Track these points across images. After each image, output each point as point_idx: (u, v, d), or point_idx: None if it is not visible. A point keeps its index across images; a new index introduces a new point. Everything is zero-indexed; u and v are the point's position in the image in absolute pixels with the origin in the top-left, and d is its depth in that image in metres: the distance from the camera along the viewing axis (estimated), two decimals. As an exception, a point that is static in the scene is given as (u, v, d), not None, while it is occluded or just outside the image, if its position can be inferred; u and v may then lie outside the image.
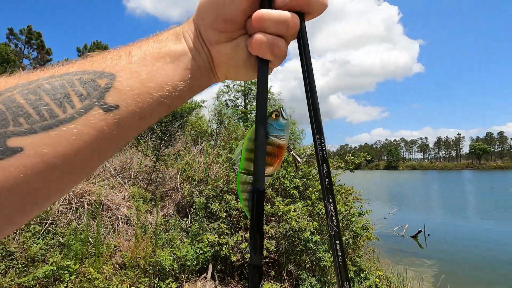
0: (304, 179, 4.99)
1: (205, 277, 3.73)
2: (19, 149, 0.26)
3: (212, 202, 4.34)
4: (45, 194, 0.29)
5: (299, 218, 4.11)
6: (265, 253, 3.79)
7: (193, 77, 0.36)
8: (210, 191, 4.51)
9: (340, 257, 0.41)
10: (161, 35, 0.37)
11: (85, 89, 0.29)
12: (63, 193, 0.32)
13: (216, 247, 3.79)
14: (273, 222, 4.21)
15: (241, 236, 3.95)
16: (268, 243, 3.83)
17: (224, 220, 4.07)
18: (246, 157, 0.44)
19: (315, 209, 4.55)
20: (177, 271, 3.53)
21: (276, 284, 3.71)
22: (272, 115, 0.43)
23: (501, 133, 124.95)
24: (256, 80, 0.38)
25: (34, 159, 0.26)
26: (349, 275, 4.17)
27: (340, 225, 3.76)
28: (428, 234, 8.35)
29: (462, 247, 7.28)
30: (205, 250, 3.80)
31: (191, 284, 3.61)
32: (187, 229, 4.29)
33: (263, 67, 0.38)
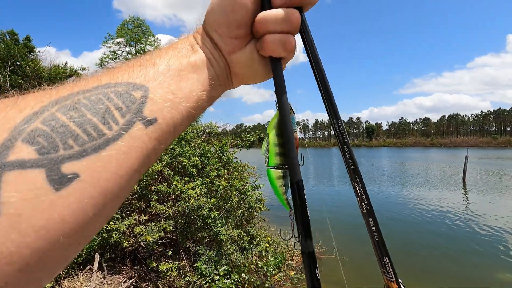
0: (203, 157, 4.99)
1: (91, 269, 3.32)
2: (75, 175, 0.22)
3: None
4: (95, 227, 0.25)
5: (198, 196, 4.12)
6: (162, 234, 3.65)
7: (213, 87, 0.36)
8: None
9: (375, 234, 0.42)
10: (176, 45, 0.35)
11: (123, 102, 0.27)
12: (103, 224, 0.27)
13: (104, 234, 3.39)
14: (170, 202, 4.07)
15: (135, 219, 3.66)
16: (165, 223, 3.69)
17: (113, 204, 3.65)
18: (276, 152, 0.44)
19: (213, 186, 4.65)
20: (52, 268, 2.99)
21: (173, 263, 3.66)
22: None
23: (358, 118, 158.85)
24: (272, 79, 0.40)
25: (90, 186, 0.23)
26: (243, 244, 4.54)
27: (236, 199, 3.99)
28: (310, 201, 9.92)
29: (332, 207, 9.05)
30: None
31: (73, 279, 3.15)
32: (65, 218, 3.65)
33: (277, 66, 0.39)
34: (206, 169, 4.87)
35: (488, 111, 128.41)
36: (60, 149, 0.22)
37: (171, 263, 3.67)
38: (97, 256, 3.45)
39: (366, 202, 0.42)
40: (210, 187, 4.69)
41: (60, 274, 3.06)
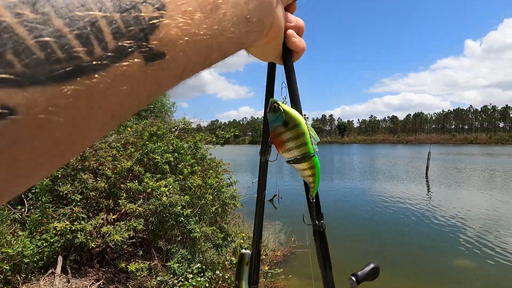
0: (176, 154, 4.86)
1: (53, 273, 3.12)
2: (11, 111, 0.14)
3: (61, 184, 3.57)
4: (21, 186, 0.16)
5: (170, 193, 4.01)
6: (131, 233, 3.51)
7: (249, 30, 0.27)
8: (57, 170, 3.68)
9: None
10: None
11: (122, 19, 0.17)
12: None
13: (68, 235, 3.19)
14: (141, 200, 3.93)
15: (102, 219, 3.49)
16: (135, 222, 3.56)
17: (79, 204, 3.45)
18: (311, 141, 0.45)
19: (187, 183, 4.55)
20: (8, 273, 2.77)
21: (144, 263, 3.54)
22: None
23: (331, 115, 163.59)
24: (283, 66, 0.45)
25: (30, 131, 0.14)
26: (217, 241, 4.50)
27: (211, 196, 3.94)
28: (281, 197, 10.07)
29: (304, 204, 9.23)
30: (52, 241, 3.14)
31: (32, 285, 2.94)
32: (23, 220, 3.40)
33: (290, 58, 0.44)
34: (180, 166, 4.75)
35: (448, 110, 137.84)
36: None
37: (141, 263, 3.54)
38: (60, 259, 3.25)
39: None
40: (183, 184, 4.59)
41: (17, 279, 2.84)
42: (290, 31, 0.39)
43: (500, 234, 6.34)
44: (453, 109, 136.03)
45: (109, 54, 0.16)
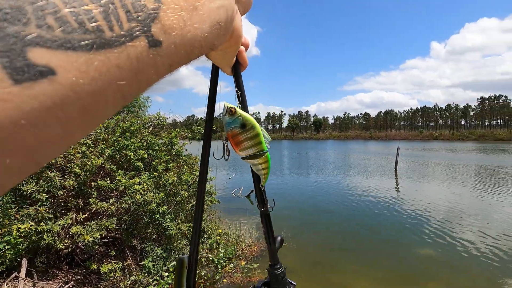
0: (150, 150, 4.73)
1: (17, 277, 2.94)
2: (51, 71, 0.15)
3: (24, 182, 3.36)
4: (52, 147, 0.17)
5: (144, 191, 3.91)
6: (103, 233, 3.39)
7: (218, 33, 0.30)
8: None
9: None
10: None
11: (131, 4, 0.19)
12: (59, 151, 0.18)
13: (34, 237, 3.02)
14: (113, 199, 3.79)
15: (71, 219, 3.33)
16: (107, 221, 3.44)
17: (45, 203, 3.27)
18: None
19: (162, 180, 4.46)
20: (-35, 280, 2.58)
21: (117, 263, 3.44)
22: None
23: (307, 112, 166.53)
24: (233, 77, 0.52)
25: (65, 94, 0.15)
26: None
27: (186, 193, 3.89)
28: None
29: (281, 198, 9.38)
30: (15, 243, 2.96)
31: (-7, 291, 2.76)
32: (-18, 222, 3.16)
33: (240, 69, 0.51)
34: (154, 163, 4.64)
35: (416, 108, 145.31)
36: (32, 25, 0.15)
37: (114, 263, 3.44)
38: (24, 261, 3.07)
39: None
40: (158, 182, 4.48)
41: (-24, 285, 2.66)
42: (242, 48, 0.47)
43: (459, 224, 6.86)
44: (420, 107, 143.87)
45: (124, 33, 0.18)
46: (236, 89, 0.54)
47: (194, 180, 5.13)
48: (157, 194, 4.02)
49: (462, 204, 8.93)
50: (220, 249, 4.67)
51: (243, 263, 4.48)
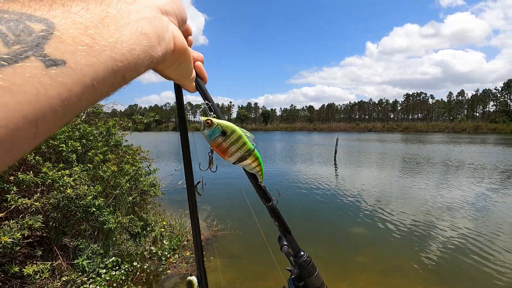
0: (84, 140, 4.33)
1: None
2: None
3: None
4: None
5: (76, 184, 3.58)
6: (26, 232, 3.02)
7: (151, 44, 0.30)
8: None
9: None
10: None
11: (9, 30, 0.19)
12: None
13: None
14: (38, 194, 3.40)
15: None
16: (31, 219, 3.07)
17: None
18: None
19: (98, 172, 4.13)
20: None
21: (45, 264, 3.12)
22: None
23: (255, 103, 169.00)
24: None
25: None
26: (136, 229, 4.27)
27: (127, 185, 3.69)
28: (205, 184, 10.03)
29: (225, 189, 9.46)
30: None
31: None
32: None
33: (202, 84, 0.53)
34: (89, 154, 4.26)
35: (354, 102, 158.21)
36: None
37: (41, 264, 3.11)
38: None
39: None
40: (94, 174, 4.14)
41: None
42: (199, 63, 0.51)
43: (388, 205, 7.80)
44: (357, 101, 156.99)
45: (3, 56, 0.18)
46: (206, 102, 0.55)
47: (136, 172, 4.86)
48: (92, 187, 3.72)
49: (388, 188, 10.14)
50: (164, 241, 4.55)
51: (188, 253, 4.44)
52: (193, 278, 0.75)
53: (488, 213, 7.05)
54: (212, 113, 0.55)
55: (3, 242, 2.79)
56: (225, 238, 5.28)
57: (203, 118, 0.52)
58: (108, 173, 4.11)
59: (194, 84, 0.51)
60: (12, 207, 3.13)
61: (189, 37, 0.47)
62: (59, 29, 0.21)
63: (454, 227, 6.03)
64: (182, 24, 0.40)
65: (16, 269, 3.00)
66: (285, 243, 0.64)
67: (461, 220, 6.50)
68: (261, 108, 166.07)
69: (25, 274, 2.95)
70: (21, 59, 0.19)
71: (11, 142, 0.18)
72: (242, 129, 0.53)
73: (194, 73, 0.49)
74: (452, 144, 34.33)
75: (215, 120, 0.51)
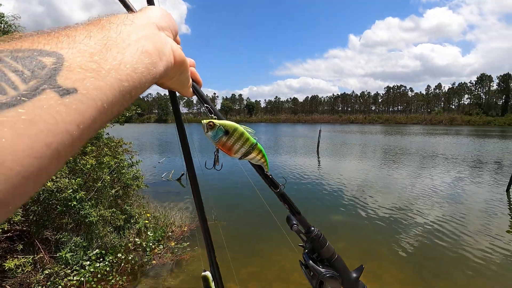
0: (63, 133, 4.24)
1: None
2: None
3: None
4: None
5: (56, 177, 3.53)
6: (5, 226, 2.99)
7: (153, 61, 0.32)
8: None
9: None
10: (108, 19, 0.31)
11: (25, 66, 0.21)
12: None
13: None
14: (17, 187, 3.33)
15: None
16: (10, 213, 3.02)
17: None
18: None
19: (78, 165, 4.08)
20: None
21: (26, 257, 3.10)
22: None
23: (240, 95, 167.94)
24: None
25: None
26: (118, 223, 4.27)
27: (109, 178, 3.68)
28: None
29: (213, 180, 9.51)
30: None
31: None
32: None
33: (198, 87, 0.56)
34: (68, 147, 4.18)
35: (337, 94, 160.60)
36: None
37: (23, 258, 3.09)
38: None
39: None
40: (73, 167, 4.09)
41: None
42: (192, 69, 0.54)
43: (367, 194, 8.14)
44: (340, 94, 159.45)
45: (23, 92, 0.20)
46: (206, 105, 0.58)
47: (118, 164, 4.83)
48: (73, 180, 3.68)
49: (368, 178, 10.54)
50: (148, 233, 4.58)
51: (173, 243, 4.50)
52: (208, 274, 0.79)
53: (458, 199, 7.53)
54: (212, 115, 0.58)
55: (-19, 237, 2.75)
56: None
57: (204, 121, 0.53)
58: (88, 166, 4.07)
59: (191, 90, 0.53)
60: (-11, 201, 3.07)
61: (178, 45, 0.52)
62: (67, 59, 0.23)
63: (427, 214, 6.41)
64: (175, 36, 0.42)
65: (-4, 263, 2.97)
66: (294, 222, 0.69)
67: (433, 207, 6.91)
68: (246, 100, 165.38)
69: (6, 268, 2.93)
70: (38, 92, 0.20)
71: (38, 171, 0.19)
72: (244, 126, 0.56)
73: (190, 80, 0.51)
74: (428, 136, 35.80)
75: (216, 122, 0.53)
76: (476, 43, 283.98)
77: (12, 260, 2.99)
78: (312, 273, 0.63)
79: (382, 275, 3.90)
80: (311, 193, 8.23)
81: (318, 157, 15.95)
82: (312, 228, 0.67)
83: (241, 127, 0.55)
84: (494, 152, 18.33)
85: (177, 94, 0.69)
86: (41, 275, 3.17)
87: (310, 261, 0.64)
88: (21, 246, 3.24)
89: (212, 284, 0.78)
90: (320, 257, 0.66)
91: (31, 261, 3.14)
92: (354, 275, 0.66)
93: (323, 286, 0.62)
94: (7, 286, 3.09)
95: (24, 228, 3.55)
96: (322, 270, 0.62)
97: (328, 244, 0.66)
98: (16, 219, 3.07)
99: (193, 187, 0.78)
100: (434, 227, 5.63)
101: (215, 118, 0.56)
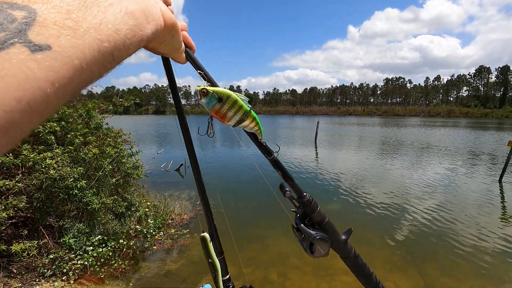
0: (63, 123, 4.30)
1: None
2: None
3: None
4: None
5: (58, 166, 3.61)
6: (11, 212, 3.08)
7: (138, 23, 0.30)
8: None
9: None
10: None
11: None
12: None
13: None
14: (20, 175, 3.42)
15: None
16: (15, 200, 3.12)
17: None
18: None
19: (80, 154, 4.16)
20: None
21: (32, 242, 3.21)
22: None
23: (238, 87, 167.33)
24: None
25: None
26: (120, 209, 4.39)
27: (110, 167, 3.76)
28: (188, 166, 10.18)
29: (211, 170, 9.62)
30: None
31: None
32: None
33: (192, 54, 0.55)
34: (69, 136, 4.26)
35: (335, 86, 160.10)
36: None
37: (28, 243, 3.20)
38: None
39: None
40: (75, 156, 4.16)
41: None
42: (184, 33, 0.53)
43: (361, 184, 8.29)
44: (339, 85, 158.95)
45: None
46: (199, 71, 0.56)
47: (118, 154, 4.91)
48: (74, 169, 3.76)
49: (363, 168, 10.69)
50: (149, 220, 4.71)
51: (173, 230, 4.64)
52: (206, 235, 0.84)
53: (451, 189, 7.70)
54: (206, 81, 0.56)
55: (-11, 221, 2.84)
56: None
57: (198, 88, 0.52)
58: (89, 155, 4.15)
59: (184, 55, 0.52)
60: (-6, 189, 3.16)
61: (169, 7, 0.47)
62: (41, 14, 0.22)
63: (419, 203, 6.58)
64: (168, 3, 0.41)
65: (3, 247, 3.08)
66: (287, 189, 0.70)
67: (424, 196, 7.08)
68: (244, 91, 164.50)
69: (12, 251, 3.04)
70: (7, 46, 0.19)
71: (7, 125, 0.19)
72: (237, 93, 0.54)
73: (183, 44, 0.50)
74: (424, 128, 35.98)
75: (209, 88, 0.52)
76: (476, 35, 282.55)
77: (18, 244, 3.10)
78: (303, 236, 0.66)
79: (374, 261, 4.05)
80: (306, 182, 8.37)
81: (316, 149, 16.08)
82: (305, 194, 0.68)
83: (234, 94, 0.54)
84: (489, 143, 18.53)
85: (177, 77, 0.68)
86: (46, 259, 3.29)
87: (302, 224, 0.67)
88: (26, 232, 3.35)
89: (210, 244, 0.83)
90: (311, 221, 0.68)
91: (36, 245, 3.25)
92: (343, 237, 0.70)
93: (313, 247, 0.64)
94: (14, 270, 3.21)
95: (28, 215, 3.65)
96: (313, 232, 0.65)
97: (319, 209, 0.68)
98: (21, 205, 3.16)
99: (191, 158, 0.80)
100: (426, 215, 5.79)
101: (208, 85, 0.54)
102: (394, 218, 5.65)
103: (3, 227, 3.18)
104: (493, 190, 7.69)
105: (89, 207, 3.80)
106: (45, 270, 3.23)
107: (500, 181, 8.41)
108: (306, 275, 3.62)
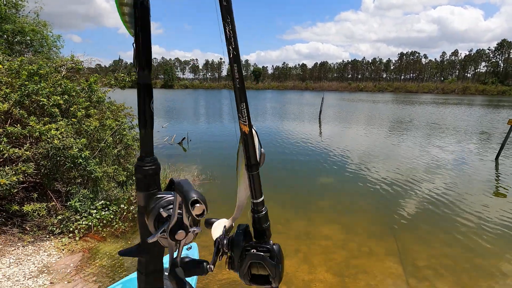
0: (66, 96, 4.54)
1: None
2: None
3: None
4: None
5: (63, 137, 3.90)
6: (21, 177, 3.42)
7: None
8: None
9: (237, 80, 0.50)
10: None
11: None
12: None
13: None
14: (28, 144, 3.73)
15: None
16: (24, 166, 3.45)
17: None
18: None
19: (83, 126, 4.43)
20: None
21: (41, 204, 3.58)
22: None
23: (246, 60, 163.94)
24: None
25: None
26: (121, 178, 4.73)
27: (111, 139, 4.03)
28: (190, 140, 10.49)
29: (213, 143, 9.93)
30: None
31: None
32: None
33: None
34: (72, 109, 4.52)
35: (347, 61, 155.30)
36: None
37: (38, 204, 3.57)
38: None
39: (233, 47, 0.50)
40: (78, 128, 4.45)
41: None
42: None
43: (359, 160, 8.47)
44: (351, 60, 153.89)
45: None
46: None
47: (120, 126, 5.18)
48: (78, 140, 4.05)
49: (373, 146, 10.79)
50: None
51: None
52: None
53: (449, 166, 7.81)
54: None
55: (1, 183, 3.19)
56: (206, 186, 5.86)
57: None
58: (91, 127, 4.42)
59: None
60: (4, 156, 3.49)
61: None
62: None
63: (413, 179, 6.76)
64: None
65: (16, 207, 3.47)
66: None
67: (419, 172, 7.24)
68: (253, 66, 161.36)
69: (24, 211, 3.42)
70: None
71: None
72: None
73: None
74: (433, 106, 35.11)
75: None
76: (500, 6, 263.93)
77: (29, 205, 3.47)
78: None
79: (356, 228, 4.33)
80: (305, 157, 8.59)
81: (320, 125, 16.13)
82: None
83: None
84: (498, 122, 18.15)
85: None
86: (54, 219, 3.67)
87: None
88: (36, 195, 3.72)
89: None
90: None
91: (45, 207, 3.62)
92: None
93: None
94: (27, 228, 3.63)
95: (38, 180, 4.02)
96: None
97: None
98: (29, 171, 3.49)
99: None
100: (418, 190, 5.99)
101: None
102: (383, 191, 5.87)
103: (15, 190, 3.54)
104: (488, 167, 7.77)
105: (93, 175, 4.14)
106: (54, 229, 3.63)
107: (496, 158, 8.44)
108: (290, 239, 3.94)
